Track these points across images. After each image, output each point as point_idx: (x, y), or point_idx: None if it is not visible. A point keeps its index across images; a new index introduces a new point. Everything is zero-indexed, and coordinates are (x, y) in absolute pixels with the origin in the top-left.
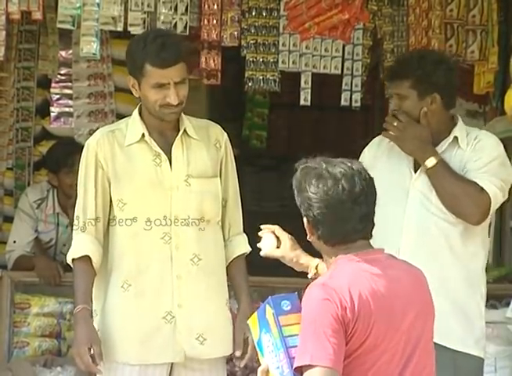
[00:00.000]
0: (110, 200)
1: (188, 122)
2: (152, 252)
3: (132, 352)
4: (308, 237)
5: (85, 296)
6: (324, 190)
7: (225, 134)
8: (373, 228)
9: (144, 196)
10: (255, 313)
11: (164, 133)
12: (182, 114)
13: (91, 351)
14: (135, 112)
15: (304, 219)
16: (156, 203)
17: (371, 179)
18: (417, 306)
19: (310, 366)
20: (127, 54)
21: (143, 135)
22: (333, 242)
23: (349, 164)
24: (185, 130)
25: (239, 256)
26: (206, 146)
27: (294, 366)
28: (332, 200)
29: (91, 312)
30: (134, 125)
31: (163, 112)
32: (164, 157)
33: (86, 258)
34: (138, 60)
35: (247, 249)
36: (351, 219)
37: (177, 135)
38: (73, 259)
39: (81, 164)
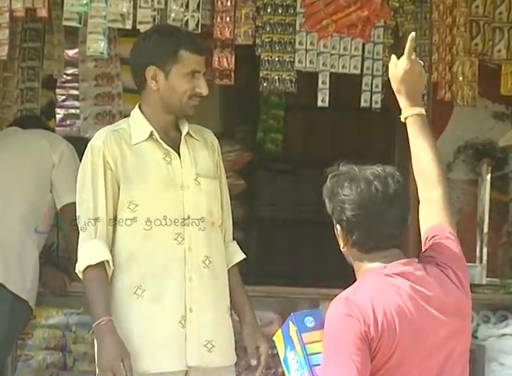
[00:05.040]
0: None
1: (186, 124)
2: (166, 253)
3: (151, 360)
4: (341, 247)
5: (108, 307)
6: (357, 192)
7: (216, 139)
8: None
9: (157, 195)
10: (280, 330)
11: (168, 133)
12: None
13: (123, 365)
14: (136, 111)
15: (338, 227)
16: (169, 202)
17: (404, 182)
18: (450, 322)
19: None
20: (154, 42)
21: (151, 133)
22: (367, 247)
23: (381, 168)
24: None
25: (236, 264)
26: (206, 148)
27: None
28: (365, 201)
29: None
30: (139, 124)
31: (189, 104)
32: (174, 154)
33: (102, 265)
34: (171, 46)
35: (243, 256)
36: (386, 222)
37: (180, 135)
38: (87, 266)
39: (83, 166)
